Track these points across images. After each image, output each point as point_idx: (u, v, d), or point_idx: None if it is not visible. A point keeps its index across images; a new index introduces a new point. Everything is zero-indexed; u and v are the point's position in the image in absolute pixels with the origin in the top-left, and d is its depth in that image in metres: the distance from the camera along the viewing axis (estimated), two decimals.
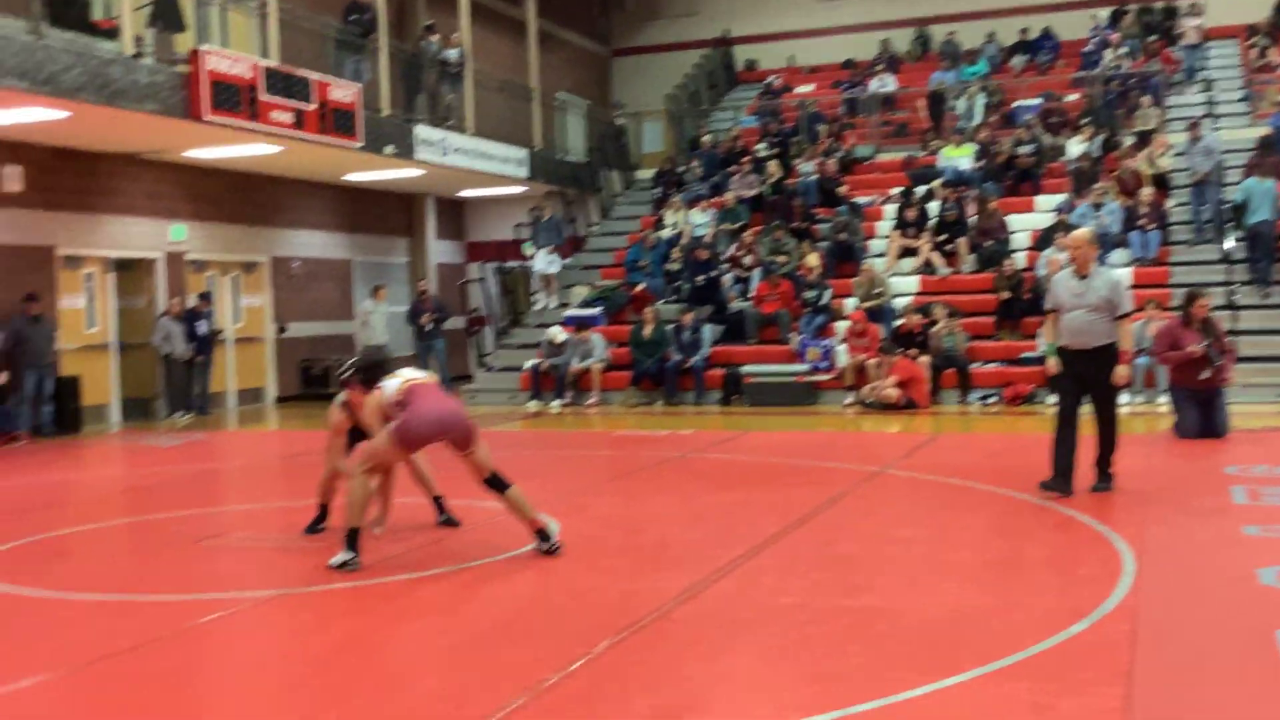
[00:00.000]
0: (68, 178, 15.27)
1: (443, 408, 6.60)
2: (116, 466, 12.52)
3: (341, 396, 7.35)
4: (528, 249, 19.49)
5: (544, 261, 19.11)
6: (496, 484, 6.64)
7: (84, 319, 15.79)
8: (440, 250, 22.64)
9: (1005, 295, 15.75)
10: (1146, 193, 16.88)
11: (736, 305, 17.11)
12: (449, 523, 7.51)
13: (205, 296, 17.03)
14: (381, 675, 4.72)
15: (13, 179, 14.53)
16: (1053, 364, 8.23)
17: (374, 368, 7.03)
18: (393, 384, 6.69)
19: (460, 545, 7.11)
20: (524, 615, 5.58)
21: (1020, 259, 16.53)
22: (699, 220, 18.93)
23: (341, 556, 6.38)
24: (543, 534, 6.66)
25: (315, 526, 7.44)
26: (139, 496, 10.07)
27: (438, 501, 7.58)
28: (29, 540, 7.66)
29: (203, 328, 16.51)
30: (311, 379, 19.28)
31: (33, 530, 8.01)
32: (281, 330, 19.04)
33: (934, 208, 17.78)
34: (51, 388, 14.47)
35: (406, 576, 6.35)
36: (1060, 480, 7.93)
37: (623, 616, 5.29)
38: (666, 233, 18.97)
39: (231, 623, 5.61)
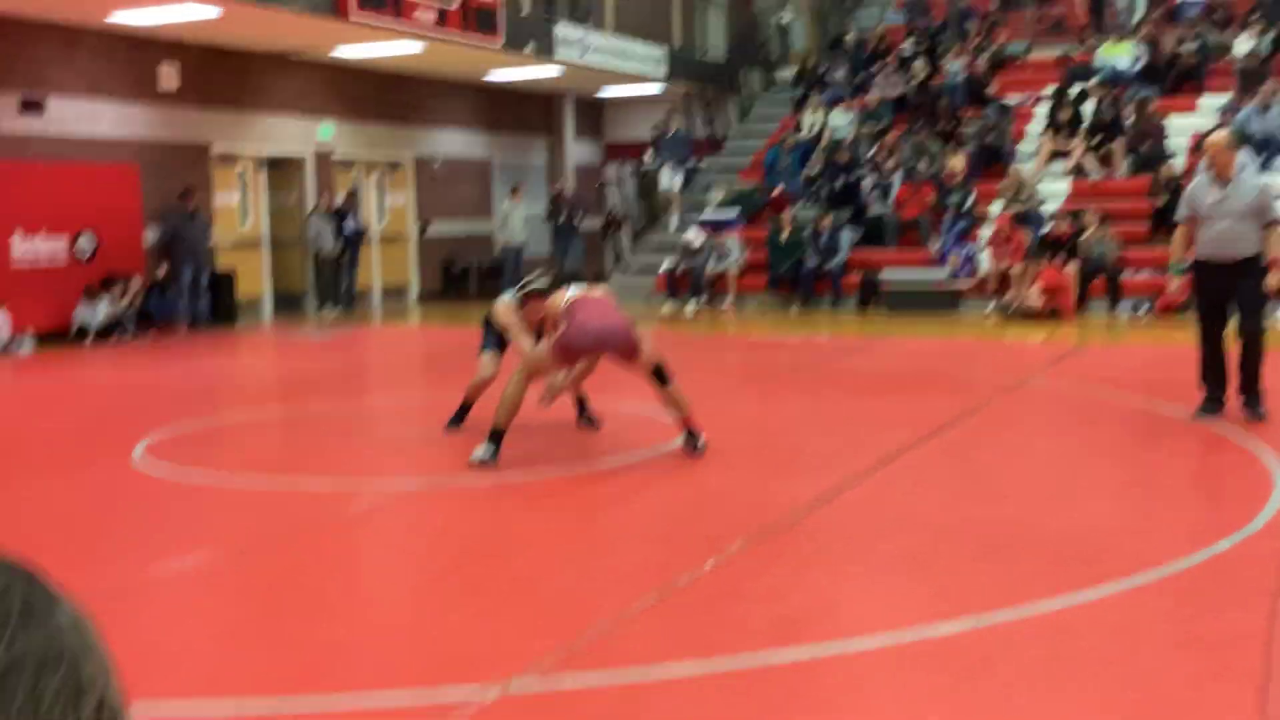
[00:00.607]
0: (221, 76, 15.69)
1: (604, 324, 6.60)
2: (270, 358, 13.03)
3: (509, 299, 7.41)
4: (649, 159, 19.09)
5: (667, 178, 18.66)
6: (659, 376, 6.71)
7: (238, 215, 16.33)
8: (578, 150, 22.68)
9: (1161, 201, 15.10)
10: None
11: (876, 209, 16.78)
12: (590, 423, 7.63)
13: (352, 194, 17.44)
14: (518, 569, 4.88)
15: (169, 77, 15.00)
16: (1176, 285, 7.75)
17: (563, 279, 7.12)
18: (570, 292, 6.79)
19: (598, 445, 7.24)
20: (656, 516, 5.68)
21: (1179, 163, 15.79)
22: (840, 121, 18.52)
23: (481, 453, 6.54)
24: (691, 434, 6.74)
25: (456, 422, 7.61)
26: (292, 387, 10.48)
27: (579, 402, 7.70)
28: (189, 428, 8.06)
29: (350, 225, 16.94)
30: (452, 277, 19.66)
31: (193, 417, 8.41)
32: (424, 229, 19.40)
33: (1089, 109, 17.05)
34: (207, 281, 15.07)
35: (544, 475, 6.50)
36: (1212, 404, 7.57)
37: (754, 521, 5.34)
38: (806, 134, 18.61)
39: (378, 512, 5.84)
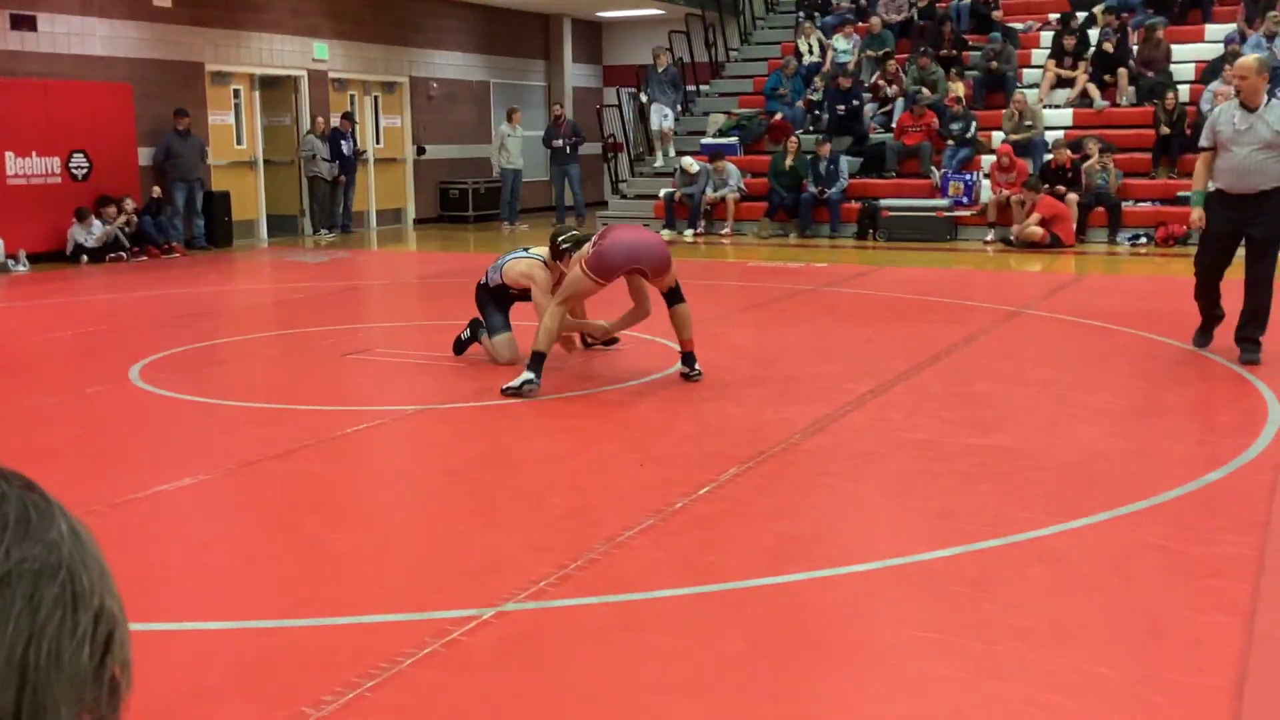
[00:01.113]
0: None
1: (638, 238, 6.70)
2: (265, 280, 12.98)
3: (528, 256, 7.24)
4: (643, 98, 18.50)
5: (657, 117, 18.14)
6: (673, 296, 6.75)
7: (232, 135, 16.17)
8: (577, 74, 22.41)
9: (1165, 131, 14.99)
10: None
11: (877, 136, 16.64)
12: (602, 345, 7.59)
13: (347, 116, 17.25)
14: (516, 489, 4.90)
15: None
16: (1198, 215, 7.22)
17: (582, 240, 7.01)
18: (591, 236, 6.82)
19: (596, 371, 7.24)
20: (654, 440, 5.70)
21: (1184, 92, 15.64)
22: (842, 46, 18.28)
23: (522, 378, 6.40)
24: (688, 357, 6.76)
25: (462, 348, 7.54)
26: (287, 310, 10.45)
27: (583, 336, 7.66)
28: (186, 348, 8.05)
29: (346, 147, 16.78)
30: (449, 201, 19.53)
31: (189, 339, 8.40)
32: (420, 151, 19.23)
33: (1094, 35, 16.85)
34: (201, 202, 14.96)
35: (542, 397, 6.50)
36: (1210, 323, 7.45)
37: (751, 446, 5.36)
38: (809, 59, 18.37)
39: (376, 434, 5.85)
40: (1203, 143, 7.22)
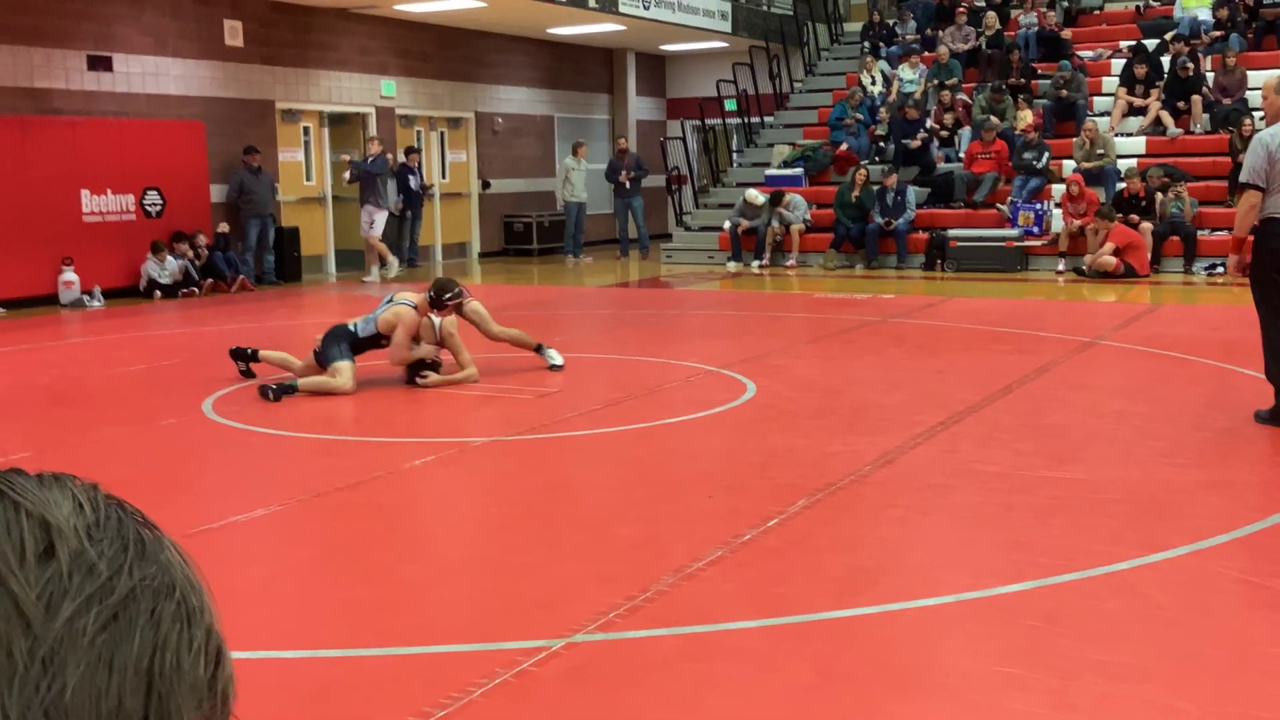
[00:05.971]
0: (284, 33, 15.76)
1: None
2: (334, 314, 13.13)
3: (414, 300, 7.75)
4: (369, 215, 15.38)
5: (365, 219, 15.49)
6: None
7: (301, 172, 16.44)
8: (640, 107, 22.54)
9: (1241, 158, 14.69)
10: None
11: (944, 166, 16.51)
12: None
13: (414, 151, 17.48)
14: (583, 520, 4.89)
15: (233, 34, 15.10)
16: (1235, 261, 6.42)
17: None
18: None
19: (659, 402, 7.23)
20: (720, 471, 5.66)
21: (1260, 119, 15.35)
22: (908, 76, 18.21)
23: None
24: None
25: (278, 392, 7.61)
26: None
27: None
28: (259, 380, 8.15)
29: (413, 182, 16.98)
30: (514, 235, 19.68)
31: (261, 372, 8.51)
32: (485, 186, 19.42)
33: (1166, 63, 16.61)
34: (272, 237, 15.21)
35: (607, 430, 6.50)
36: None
37: (819, 477, 5.30)
38: (872, 90, 18.32)
39: (444, 465, 5.87)
40: (1256, 180, 6.14)
